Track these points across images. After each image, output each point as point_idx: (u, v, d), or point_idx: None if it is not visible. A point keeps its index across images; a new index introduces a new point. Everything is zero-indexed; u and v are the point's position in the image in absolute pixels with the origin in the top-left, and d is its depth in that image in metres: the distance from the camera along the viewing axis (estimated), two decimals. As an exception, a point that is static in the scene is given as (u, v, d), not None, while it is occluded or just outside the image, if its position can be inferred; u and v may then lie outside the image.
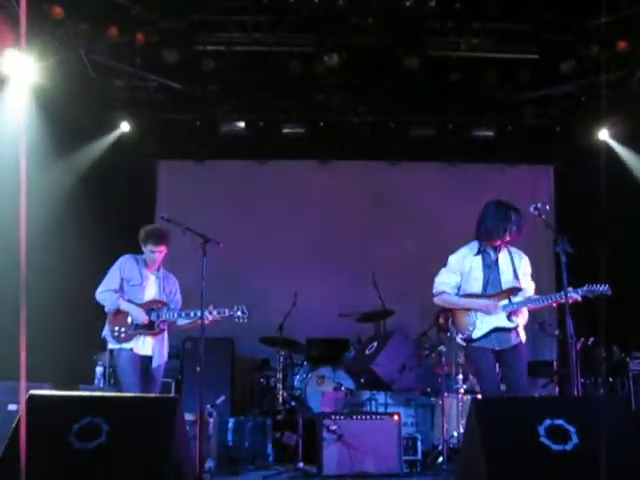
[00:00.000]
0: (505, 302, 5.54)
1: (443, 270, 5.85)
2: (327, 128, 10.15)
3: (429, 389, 7.76)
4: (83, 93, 9.00)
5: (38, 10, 7.59)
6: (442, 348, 7.28)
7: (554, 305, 5.53)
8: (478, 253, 5.70)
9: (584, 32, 8.27)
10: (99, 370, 8.06)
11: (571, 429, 3.97)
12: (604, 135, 9.90)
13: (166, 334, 6.23)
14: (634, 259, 9.03)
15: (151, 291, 6.19)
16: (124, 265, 6.19)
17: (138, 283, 6.13)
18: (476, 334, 5.53)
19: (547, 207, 5.43)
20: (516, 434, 4.03)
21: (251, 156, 10.77)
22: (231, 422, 7.58)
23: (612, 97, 9.26)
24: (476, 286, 5.63)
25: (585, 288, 5.41)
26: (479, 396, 7.22)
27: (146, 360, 6.04)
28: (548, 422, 4.00)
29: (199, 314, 5.84)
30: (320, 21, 8.40)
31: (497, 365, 5.58)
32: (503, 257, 5.66)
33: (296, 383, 8.85)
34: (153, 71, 9.02)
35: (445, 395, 7.03)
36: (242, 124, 9.92)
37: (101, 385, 7.98)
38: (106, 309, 6.08)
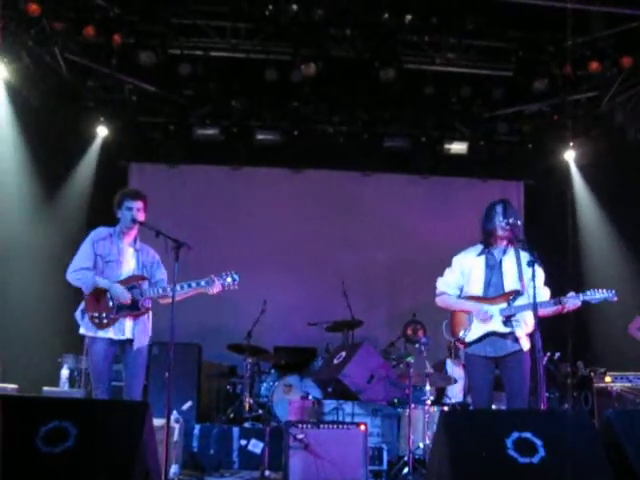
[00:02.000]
0: (503, 306, 5.27)
1: (446, 270, 5.58)
2: (301, 137, 10.18)
3: (396, 400, 7.79)
4: (57, 93, 8.91)
5: (13, 8, 7.52)
6: (410, 359, 7.28)
7: (563, 311, 5.18)
8: (481, 254, 5.44)
9: (558, 52, 8.41)
10: (64, 373, 7.96)
11: (538, 442, 4.00)
12: (569, 156, 10.12)
13: (150, 314, 5.73)
14: (600, 275, 9.17)
15: (129, 266, 5.67)
16: (97, 240, 5.63)
17: (114, 259, 5.59)
18: (469, 337, 5.27)
19: (518, 222, 5.33)
20: (483, 446, 4.05)
21: (224, 162, 10.76)
22: (197, 428, 7.53)
23: (582, 117, 9.45)
24: (477, 287, 5.38)
25: (588, 293, 5.16)
26: (446, 408, 7.29)
27: (124, 344, 5.58)
28: (515, 435, 4.03)
29: (189, 285, 5.49)
30: (298, 30, 8.44)
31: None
32: (509, 259, 5.38)
33: (263, 391, 8.84)
34: (129, 73, 8.98)
35: (412, 406, 7.05)
36: (216, 130, 9.91)
37: (66, 388, 7.88)
38: (83, 288, 5.52)
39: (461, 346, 5.42)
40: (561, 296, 5.21)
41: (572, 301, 5.15)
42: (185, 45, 8.62)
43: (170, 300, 5.54)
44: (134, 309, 5.56)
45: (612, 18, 7.98)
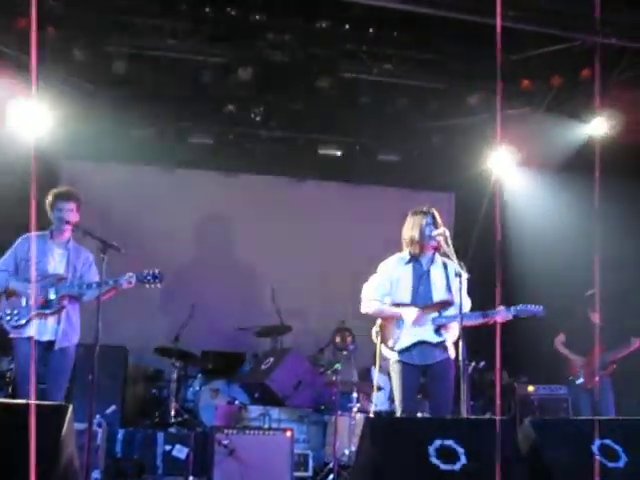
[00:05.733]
0: (434, 315, 5.35)
1: (372, 277, 5.61)
2: (236, 140, 10.10)
3: (323, 406, 7.81)
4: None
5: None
6: (338, 366, 7.32)
7: (490, 322, 5.31)
8: (409, 262, 5.49)
9: (491, 68, 8.58)
10: (-16, 374, 7.71)
11: (460, 450, 4.08)
12: (495, 167, 10.23)
13: (75, 313, 5.75)
14: (526, 286, 9.36)
15: (56, 267, 5.70)
16: (20, 245, 5.69)
17: (37, 261, 5.61)
18: (399, 345, 5.32)
19: (447, 233, 5.38)
20: (407, 453, 4.10)
21: (158, 163, 10.58)
22: (120, 433, 7.41)
23: (513, 131, 9.65)
24: (405, 296, 5.42)
25: (519, 307, 5.32)
26: (372, 415, 7.33)
27: (48, 345, 5.59)
28: (438, 442, 4.09)
29: (106, 283, 5.41)
30: (236, 34, 8.40)
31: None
32: (436, 269, 5.47)
33: (189, 395, 8.75)
34: (63, 69, 8.73)
35: (338, 413, 7.08)
36: (150, 130, 9.74)
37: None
38: None
39: (389, 353, 5.45)
40: (489, 308, 5.36)
41: (502, 314, 5.29)
42: (120, 42, 8.44)
43: (92, 300, 5.57)
44: (48, 308, 5.54)
45: (543, 38, 8.18)
